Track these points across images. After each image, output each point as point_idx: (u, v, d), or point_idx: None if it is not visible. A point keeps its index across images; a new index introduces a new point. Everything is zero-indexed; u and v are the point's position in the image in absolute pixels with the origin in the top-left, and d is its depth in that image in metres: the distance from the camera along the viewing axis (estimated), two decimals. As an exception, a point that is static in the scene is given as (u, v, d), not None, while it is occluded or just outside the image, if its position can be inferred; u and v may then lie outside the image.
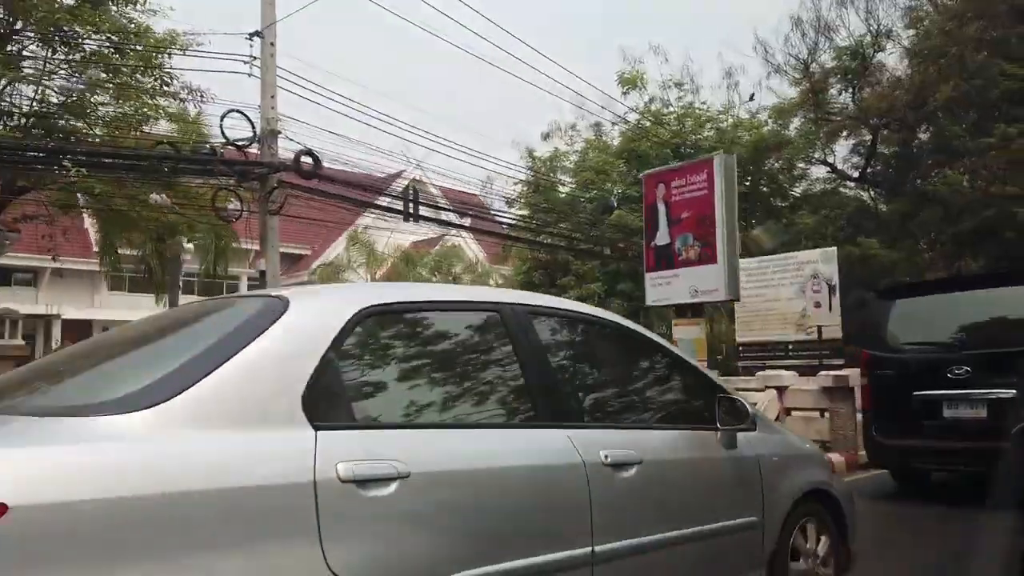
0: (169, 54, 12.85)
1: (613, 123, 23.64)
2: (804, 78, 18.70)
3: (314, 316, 2.46)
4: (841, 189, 23.11)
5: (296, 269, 37.05)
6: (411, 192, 26.81)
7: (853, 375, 8.33)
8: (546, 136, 23.20)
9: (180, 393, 1.99)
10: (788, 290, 20.03)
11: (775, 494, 3.57)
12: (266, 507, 1.98)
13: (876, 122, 19.65)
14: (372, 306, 2.56)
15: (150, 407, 1.93)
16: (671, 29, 50.68)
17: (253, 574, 1.91)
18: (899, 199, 19.79)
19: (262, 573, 1.92)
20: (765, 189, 24.56)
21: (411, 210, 19.88)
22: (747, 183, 24.27)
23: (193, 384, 2.03)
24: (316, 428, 2.14)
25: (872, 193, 21.58)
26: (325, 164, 12.67)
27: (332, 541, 2.04)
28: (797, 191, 24.19)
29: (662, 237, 8.50)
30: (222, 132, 11.30)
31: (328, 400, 2.26)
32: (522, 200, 24.64)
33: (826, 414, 8.54)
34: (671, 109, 23.56)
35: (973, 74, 17.72)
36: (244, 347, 2.19)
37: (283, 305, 2.41)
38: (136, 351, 2.73)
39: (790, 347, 19.45)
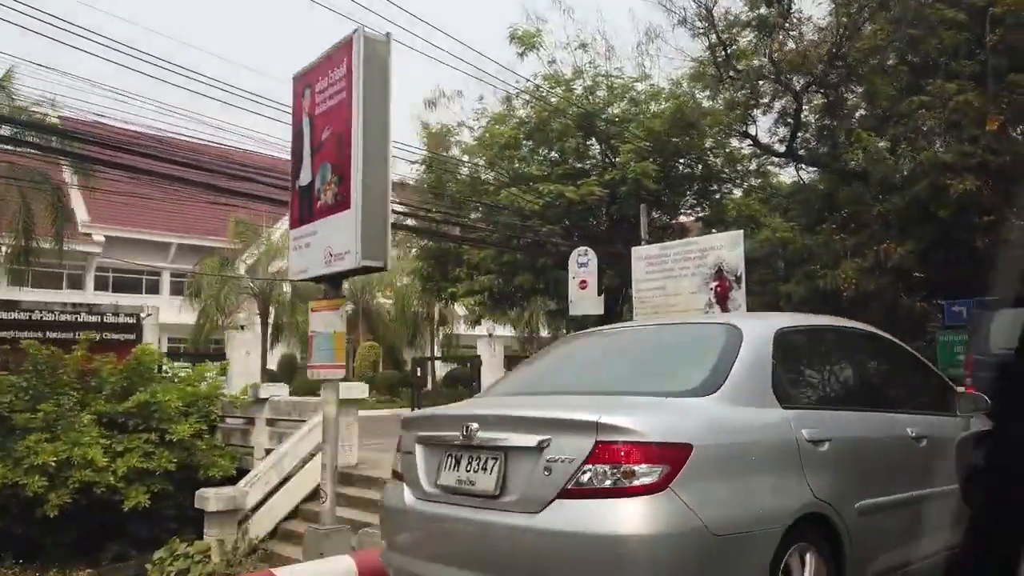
0: None
1: (517, 94, 20.56)
2: (709, 28, 15.63)
3: (758, 335, 3.73)
4: (769, 168, 20.07)
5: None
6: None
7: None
8: (431, 104, 20.05)
9: (720, 386, 3.37)
10: (691, 281, 16.87)
11: None
12: (778, 452, 3.34)
13: (799, 82, 16.58)
14: (784, 327, 3.92)
15: (711, 393, 3.34)
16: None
17: (779, 488, 3.27)
18: (827, 175, 16.76)
19: (783, 488, 3.28)
20: (697, 172, 21.48)
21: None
22: (682, 164, 21.17)
23: (723, 381, 3.40)
24: (783, 407, 3.50)
25: (801, 170, 18.48)
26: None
27: (809, 475, 3.36)
28: (726, 171, 21.11)
29: (306, 173, 5.42)
30: None
31: (780, 389, 3.57)
32: (413, 181, 21.53)
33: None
34: (582, 80, 20.42)
35: (908, 21, 14.68)
36: (736, 356, 3.53)
37: (738, 329, 3.75)
38: (663, 357, 4.05)
39: (692, 350, 16.33)
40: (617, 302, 19.27)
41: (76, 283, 37.60)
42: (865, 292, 13.98)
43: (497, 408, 3.66)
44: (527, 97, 20.13)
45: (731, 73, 16.00)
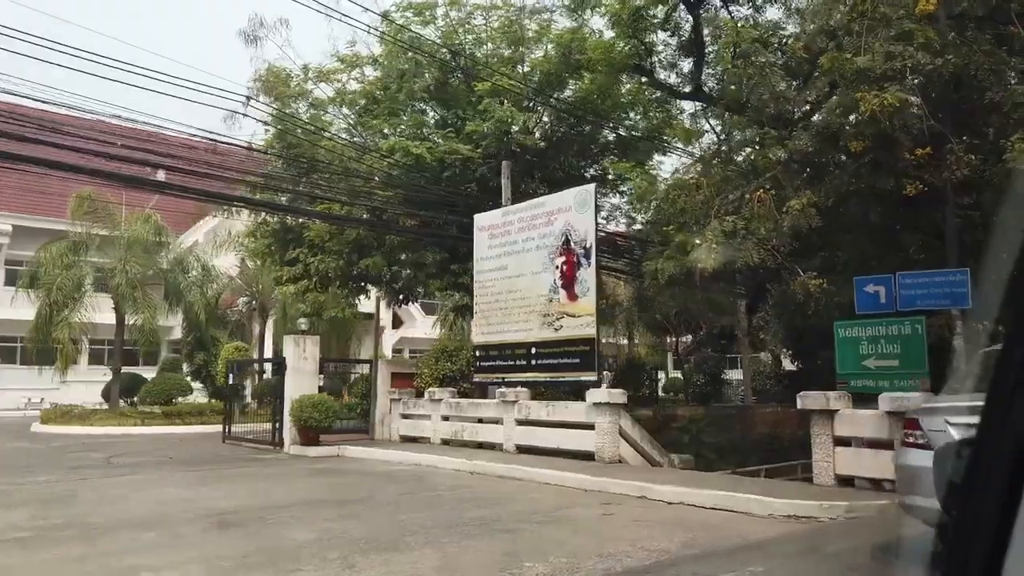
0: None
1: (369, 30, 16.36)
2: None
3: None
4: (682, 117, 15.68)
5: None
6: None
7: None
8: (251, 38, 15.90)
9: None
10: (535, 256, 12.46)
11: None
12: None
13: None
14: None
15: None
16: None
17: None
18: (725, 112, 12.39)
19: None
20: (609, 132, 17.15)
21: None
22: (588, 121, 16.85)
23: None
24: None
25: (712, 117, 14.07)
26: None
27: None
28: (634, 124, 16.70)
29: None
30: None
31: None
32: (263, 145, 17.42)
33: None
34: (447, 10, 16.17)
35: None
36: None
37: None
38: None
39: (533, 352, 11.97)
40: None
41: None
42: (748, 266, 9.59)
43: None
44: (376, 32, 15.93)
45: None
